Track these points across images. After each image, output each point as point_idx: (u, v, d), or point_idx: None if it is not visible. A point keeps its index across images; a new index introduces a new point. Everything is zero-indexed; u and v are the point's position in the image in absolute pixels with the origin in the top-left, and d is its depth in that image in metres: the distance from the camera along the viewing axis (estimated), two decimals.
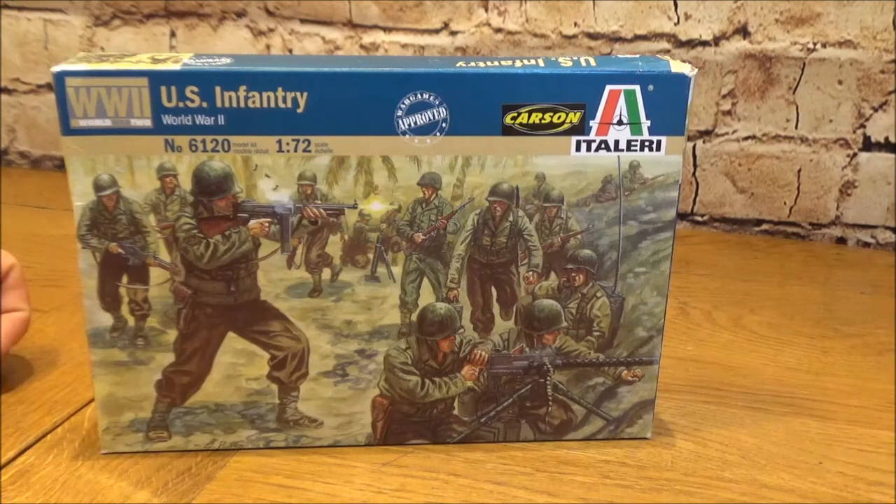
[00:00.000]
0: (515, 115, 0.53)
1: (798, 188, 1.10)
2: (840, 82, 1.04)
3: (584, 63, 0.54)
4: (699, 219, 1.15)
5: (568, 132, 0.54)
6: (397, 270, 0.56)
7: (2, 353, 0.64)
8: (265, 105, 0.52)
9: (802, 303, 0.89)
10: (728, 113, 1.09)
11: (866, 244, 1.10)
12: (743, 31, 1.05)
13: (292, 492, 0.55)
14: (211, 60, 0.52)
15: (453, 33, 1.13)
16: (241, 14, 1.19)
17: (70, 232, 0.54)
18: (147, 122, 0.51)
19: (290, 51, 1.19)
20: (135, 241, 0.54)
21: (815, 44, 1.04)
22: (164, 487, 0.55)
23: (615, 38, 1.09)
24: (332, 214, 0.55)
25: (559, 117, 0.53)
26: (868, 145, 1.06)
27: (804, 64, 1.05)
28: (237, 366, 0.57)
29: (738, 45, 1.06)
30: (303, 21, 1.18)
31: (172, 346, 0.56)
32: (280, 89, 0.51)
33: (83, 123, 0.51)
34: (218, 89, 0.51)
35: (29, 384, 0.67)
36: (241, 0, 1.18)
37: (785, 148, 1.08)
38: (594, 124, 0.54)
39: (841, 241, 1.11)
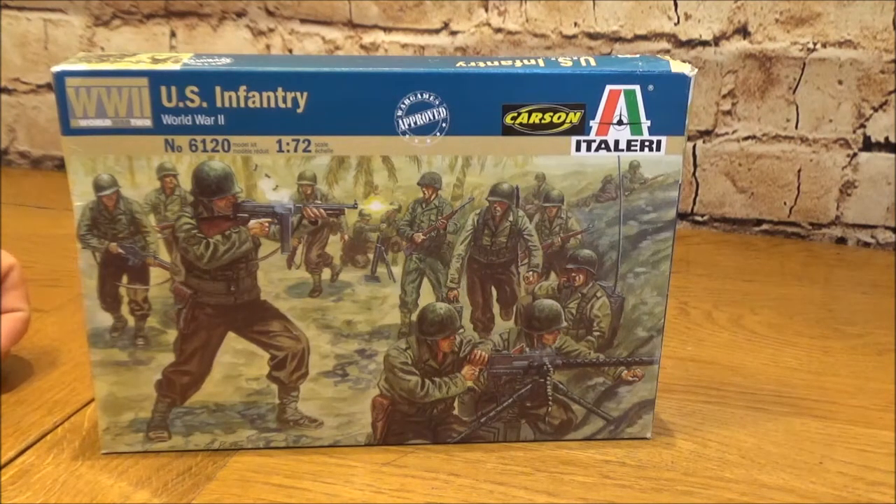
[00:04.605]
0: (515, 115, 0.53)
1: (798, 188, 1.10)
2: (840, 82, 1.04)
3: (584, 63, 0.54)
4: (699, 219, 1.15)
5: (568, 132, 0.54)
6: (397, 270, 0.56)
7: (2, 353, 0.64)
8: (265, 105, 0.52)
9: (802, 303, 0.89)
10: (728, 113, 1.09)
11: (866, 244, 1.10)
12: (743, 31, 1.05)
13: (292, 492, 0.55)
14: (211, 60, 0.52)
15: (453, 33, 1.13)
16: (241, 14, 1.19)
17: (70, 232, 0.54)
18: (147, 122, 0.51)
19: (290, 51, 1.19)
20: (135, 241, 0.54)
21: (815, 44, 1.04)
22: (164, 487, 0.55)
23: (615, 38, 1.09)
24: (332, 214, 0.55)
25: (559, 117, 0.53)
26: (868, 145, 1.06)
27: (804, 64, 1.04)
28: (237, 366, 0.57)
29: (738, 45, 1.06)
30: (303, 21, 1.18)
31: (172, 346, 0.56)
32: (280, 89, 0.51)
33: (83, 123, 0.51)
34: (218, 89, 0.51)
35: (29, 384, 0.67)
36: (241, 0, 1.18)
37: (785, 148, 1.08)
38: (594, 124, 0.54)
39: (841, 241, 1.11)
